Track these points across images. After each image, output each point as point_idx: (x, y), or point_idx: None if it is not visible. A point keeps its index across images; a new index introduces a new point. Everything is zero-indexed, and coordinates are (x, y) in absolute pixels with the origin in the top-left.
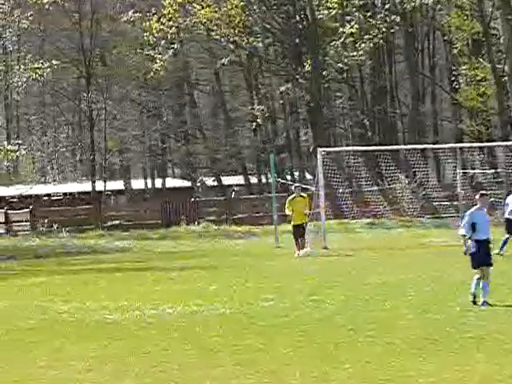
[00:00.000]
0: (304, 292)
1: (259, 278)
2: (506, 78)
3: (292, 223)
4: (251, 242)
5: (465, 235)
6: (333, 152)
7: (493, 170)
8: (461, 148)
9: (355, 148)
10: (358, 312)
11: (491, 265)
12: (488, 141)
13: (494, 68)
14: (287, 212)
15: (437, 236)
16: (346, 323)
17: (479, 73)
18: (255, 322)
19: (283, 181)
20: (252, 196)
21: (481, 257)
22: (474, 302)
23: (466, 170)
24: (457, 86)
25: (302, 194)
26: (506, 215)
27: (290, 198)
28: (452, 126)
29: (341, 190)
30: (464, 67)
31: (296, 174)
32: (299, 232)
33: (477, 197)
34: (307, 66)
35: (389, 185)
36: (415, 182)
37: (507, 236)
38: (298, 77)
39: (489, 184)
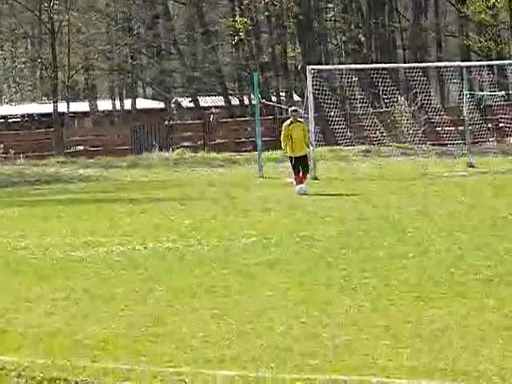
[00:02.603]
0: (291, 227)
1: (240, 211)
2: None
3: (290, 154)
4: (232, 171)
5: None
6: (324, 70)
7: (503, 92)
8: (467, 67)
9: (349, 66)
10: (352, 250)
11: None
12: (498, 59)
13: None
14: (283, 143)
15: (439, 165)
16: (338, 263)
17: None
18: (235, 261)
19: (268, 102)
20: (233, 119)
21: None
22: None
23: (473, 92)
24: None
25: (300, 119)
26: None
27: (286, 123)
28: (458, 41)
29: (332, 114)
30: None
31: (282, 94)
32: (301, 164)
33: None
34: None
35: (386, 107)
36: (416, 104)
37: None
38: None
39: (499, 107)
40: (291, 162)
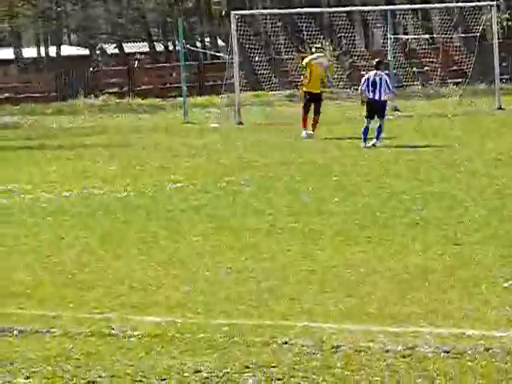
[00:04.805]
0: (217, 173)
1: (166, 157)
2: None
3: (306, 89)
4: (157, 117)
5: None
6: (248, 15)
7: (427, 36)
8: (392, 10)
9: (273, 11)
10: (276, 195)
11: None
12: (422, 2)
13: None
14: (305, 79)
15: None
16: (263, 207)
17: None
18: (162, 207)
19: (193, 48)
20: (158, 65)
21: None
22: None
23: (398, 36)
24: None
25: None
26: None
27: (312, 57)
28: None
29: (257, 58)
30: None
31: (207, 40)
32: (315, 103)
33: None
34: None
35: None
36: (340, 48)
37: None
38: None
39: (423, 51)
40: (305, 98)
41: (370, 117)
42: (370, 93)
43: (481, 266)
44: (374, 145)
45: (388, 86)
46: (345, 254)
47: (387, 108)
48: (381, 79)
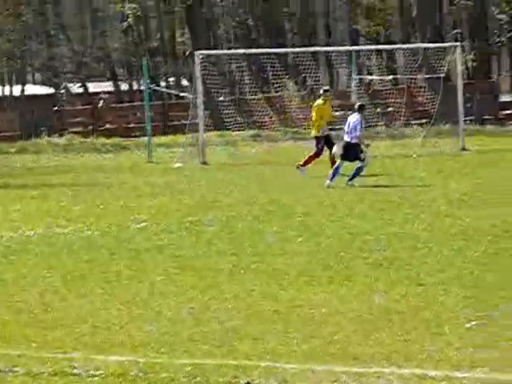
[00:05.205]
0: (181, 212)
1: (130, 196)
2: None
3: (318, 134)
4: (122, 157)
5: None
6: (213, 55)
7: (391, 76)
8: (356, 51)
9: (237, 51)
10: (241, 235)
11: None
12: (387, 43)
13: None
14: (315, 123)
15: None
16: (227, 248)
17: None
18: (125, 246)
19: (157, 87)
20: (122, 104)
21: None
22: None
23: (362, 76)
24: None
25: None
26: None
27: (319, 102)
28: (346, 26)
29: (221, 98)
30: None
31: (171, 80)
32: (330, 145)
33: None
34: None
35: (276, 92)
36: (305, 89)
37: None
38: None
39: (387, 92)
40: (318, 143)
41: (343, 158)
42: (345, 134)
43: (444, 307)
44: (347, 183)
45: (355, 127)
46: (308, 294)
47: (359, 150)
48: (354, 122)
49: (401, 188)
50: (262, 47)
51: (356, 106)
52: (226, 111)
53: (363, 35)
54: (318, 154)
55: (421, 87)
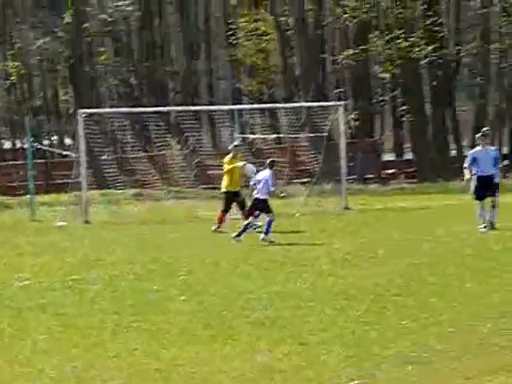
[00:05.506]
0: (64, 271)
1: (12, 255)
2: (290, 32)
3: (226, 189)
4: (4, 215)
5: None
6: (95, 114)
7: (275, 135)
8: (239, 110)
9: (120, 110)
10: (124, 293)
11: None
12: (270, 102)
13: (277, 21)
14: (225, 177)
15: (210, 209)
16: (109, 306)
17: (260, 26)
18: (8, 305)
19: (40, 146)
20: (5, 163)
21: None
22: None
23: (245, 135)
24: (235, 41)
25: (240, 154)
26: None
27: (229, 157)
28: (229, 85)
29: (104, 157)
30: (243, 20)
31: (55, 138)
32: (238, 201)
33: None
34: (67, 17)
35: (158, 151)
36: (187, 148)
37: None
38: (56, 29)
39: (270, 150)
40: (226, 198)
41: (250, 213)
42: (255, 190)
43: (326, 366)
44: (262, 239)
45: (267, 183)
46: (190, 353)
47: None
48: (265, 177)
49: (283, 247)
50: (144, 106)
51: (267, 162)
52: (109, 170)
53: (246, 94)
54: (225, 211)
55: (304, 146)
